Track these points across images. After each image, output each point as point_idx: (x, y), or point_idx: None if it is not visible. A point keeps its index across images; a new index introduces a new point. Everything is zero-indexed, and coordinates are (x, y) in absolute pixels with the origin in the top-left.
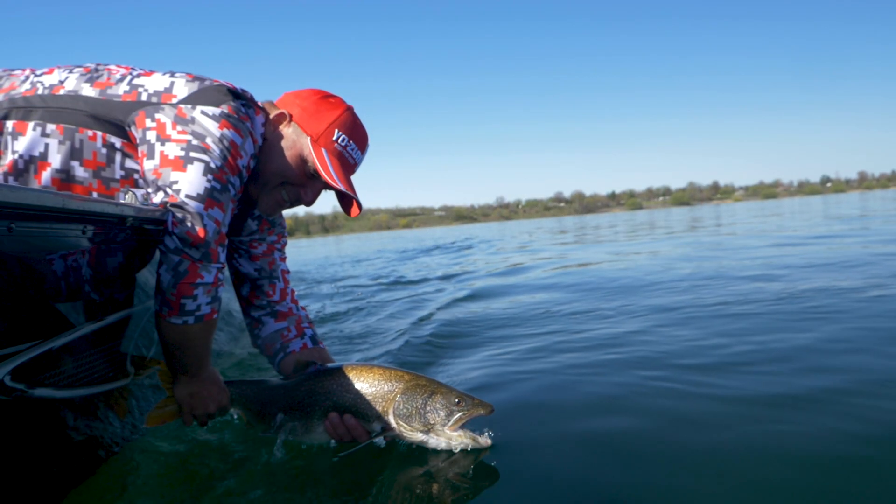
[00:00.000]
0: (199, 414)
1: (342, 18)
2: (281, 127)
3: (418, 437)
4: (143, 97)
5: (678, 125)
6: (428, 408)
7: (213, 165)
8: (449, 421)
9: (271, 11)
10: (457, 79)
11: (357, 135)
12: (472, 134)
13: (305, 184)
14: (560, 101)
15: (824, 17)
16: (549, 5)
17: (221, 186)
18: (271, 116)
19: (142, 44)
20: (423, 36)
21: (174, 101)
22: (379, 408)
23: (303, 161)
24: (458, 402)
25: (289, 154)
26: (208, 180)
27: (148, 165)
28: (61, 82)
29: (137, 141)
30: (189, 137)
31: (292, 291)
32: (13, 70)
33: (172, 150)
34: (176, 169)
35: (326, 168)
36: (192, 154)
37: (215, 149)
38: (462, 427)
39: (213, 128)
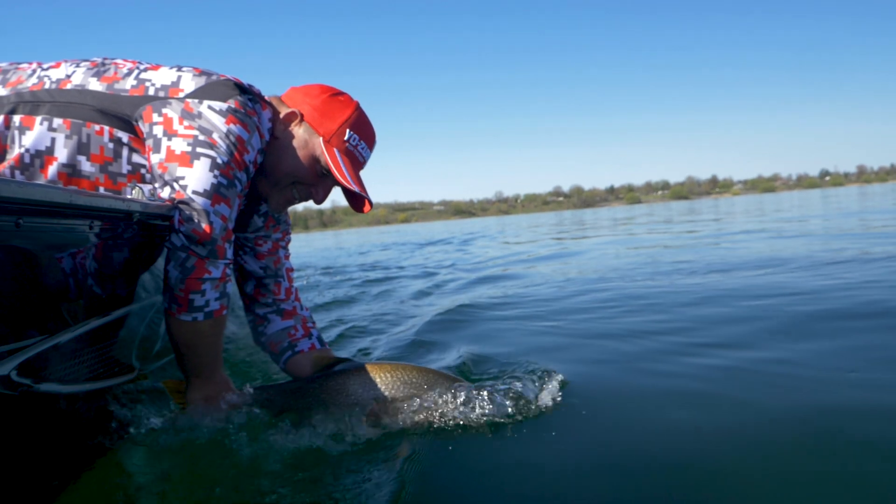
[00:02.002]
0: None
1: (342, 14)
2: (292, 126)
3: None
4: (151, 92)
5: (677, 119)
6: (487, 398)
7: (219, 161)
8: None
9: (273, 7)
10: (455, 73)
11: (366, 133)
12: (471, 129)
13: (317, 183)
14: (558, 95)
15: (823, 11)
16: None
17: (228, 182)
18: (282, 115)
19: (146, 38)
20: (422, 31)
21: (181, 95)
22: (438, 404)
23: (315, 161)
24: (507, 390)
25: (301, 154)
26: (215, 176)
27: (154, 160)
28: (68, 76)
29: (144, 136)
30: (196, 132)
31: (296, 290)
32: (20, 64)
33: (179, 146)
34: (182, 164)
35: (340, 168)
36: (199, 149)
37: (222, 144)
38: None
39: (220, 123)
